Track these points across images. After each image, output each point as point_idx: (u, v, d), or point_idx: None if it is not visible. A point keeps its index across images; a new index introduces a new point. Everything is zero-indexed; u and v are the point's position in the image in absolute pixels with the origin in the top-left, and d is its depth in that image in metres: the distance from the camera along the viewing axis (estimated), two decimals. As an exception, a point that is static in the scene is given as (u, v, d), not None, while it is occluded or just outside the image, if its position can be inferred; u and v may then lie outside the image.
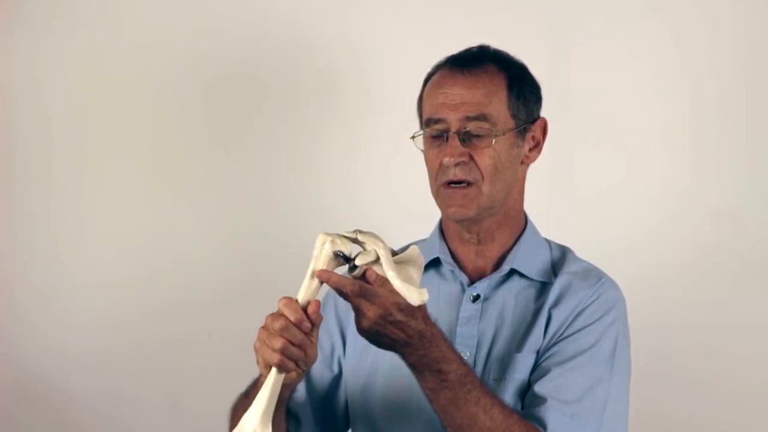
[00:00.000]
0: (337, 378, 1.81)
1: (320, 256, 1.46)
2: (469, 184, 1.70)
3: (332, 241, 1.45)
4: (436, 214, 1.83)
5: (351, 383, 1.78)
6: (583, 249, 1.85)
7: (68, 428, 2.80)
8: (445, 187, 1.72)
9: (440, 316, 1.66)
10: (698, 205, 2.54)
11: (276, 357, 1.47)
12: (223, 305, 2.74)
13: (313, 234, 2.66)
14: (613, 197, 2.58)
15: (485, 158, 1.70)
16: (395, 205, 2.62)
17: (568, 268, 1.76)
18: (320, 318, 1.49)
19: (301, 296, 1.47)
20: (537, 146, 1.79)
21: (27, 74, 2.83)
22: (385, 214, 2.60)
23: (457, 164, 1.69)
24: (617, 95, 2.59)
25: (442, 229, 1.82)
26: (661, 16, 2.57)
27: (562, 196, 2.59)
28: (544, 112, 1.81)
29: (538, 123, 1.78)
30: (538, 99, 1.80)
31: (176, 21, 2.78)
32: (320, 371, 1.78)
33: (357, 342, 1.73)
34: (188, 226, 2.78)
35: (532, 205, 1.84)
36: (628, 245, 2.54)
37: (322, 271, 1.45)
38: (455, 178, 1.70)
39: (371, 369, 1.75)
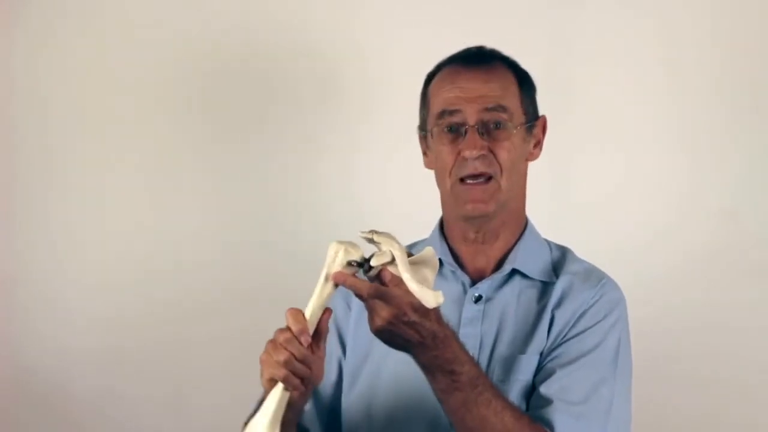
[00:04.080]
0: (340, 383, 1.79)
1: (333, 265, 1.44)
2: (488, 178, 1.69)
3: (345, 251, 1.44)
4: (434, 218, 1.83)
5: (349, 388, 1.77)
6: (584, 251, 1.84)
7: (68, 428, 2.79)
8: (461, 183, 1.71)
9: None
10: (698, 206, 2.54)
11: (281, 372, 1.45)
12: (223, 306, 2.74)
13: (313, 237, 2.65)
14: (612, 198, 2.58)
15: (504, 151, 1.69)
16: (394, 208, 2.62)
17: (569, 268, 1.76)
18: (327, 329, 1.49)
19: (313, 303, 1.46)
20: (538, 144, 1.80)
21: (27, 74, 2.82)
22: (384, 216, 2.59)
23: (477, 157, 1.68)
24: (617, 96, 2.59)
25: (442, 229, 1.82)
26: (662, 15, 2.57)
27: (562, 198, 2.59)
28: (544, 112, 1.82)
29: (540, 121, 1.80)
30: (535, 98, 1.82)
31: (176, 20, 2.78)
32: (324, 378, 1.76)
33: (356, 348, 1.74)
34: (188, 227, 2.78)
35: (531, 207, 1.84)
36: (628, 246, 2.54)
37: (338, 273, 1.44)
38: (476, 172, 1.69)
39: (374, 375, 1.74)
